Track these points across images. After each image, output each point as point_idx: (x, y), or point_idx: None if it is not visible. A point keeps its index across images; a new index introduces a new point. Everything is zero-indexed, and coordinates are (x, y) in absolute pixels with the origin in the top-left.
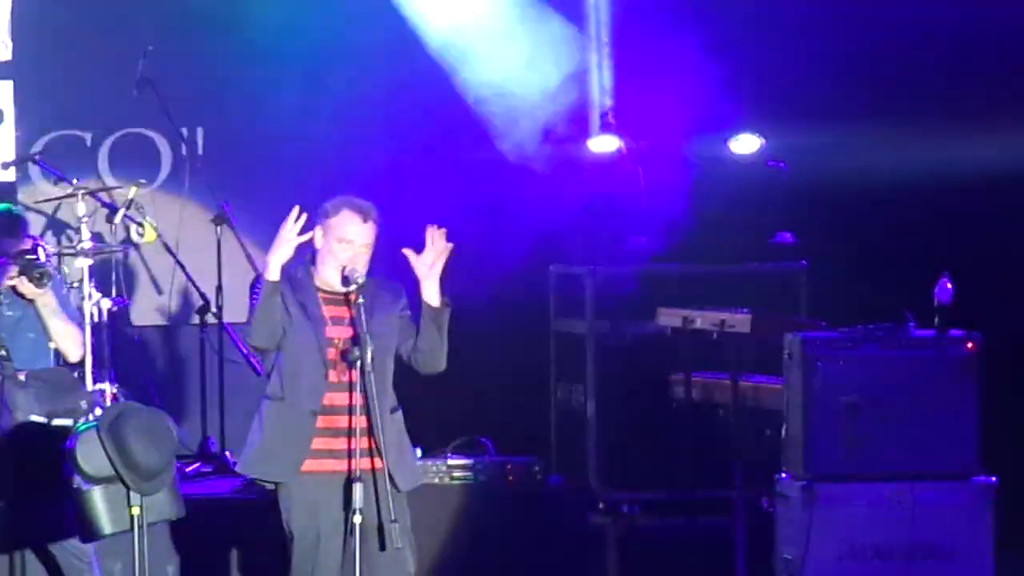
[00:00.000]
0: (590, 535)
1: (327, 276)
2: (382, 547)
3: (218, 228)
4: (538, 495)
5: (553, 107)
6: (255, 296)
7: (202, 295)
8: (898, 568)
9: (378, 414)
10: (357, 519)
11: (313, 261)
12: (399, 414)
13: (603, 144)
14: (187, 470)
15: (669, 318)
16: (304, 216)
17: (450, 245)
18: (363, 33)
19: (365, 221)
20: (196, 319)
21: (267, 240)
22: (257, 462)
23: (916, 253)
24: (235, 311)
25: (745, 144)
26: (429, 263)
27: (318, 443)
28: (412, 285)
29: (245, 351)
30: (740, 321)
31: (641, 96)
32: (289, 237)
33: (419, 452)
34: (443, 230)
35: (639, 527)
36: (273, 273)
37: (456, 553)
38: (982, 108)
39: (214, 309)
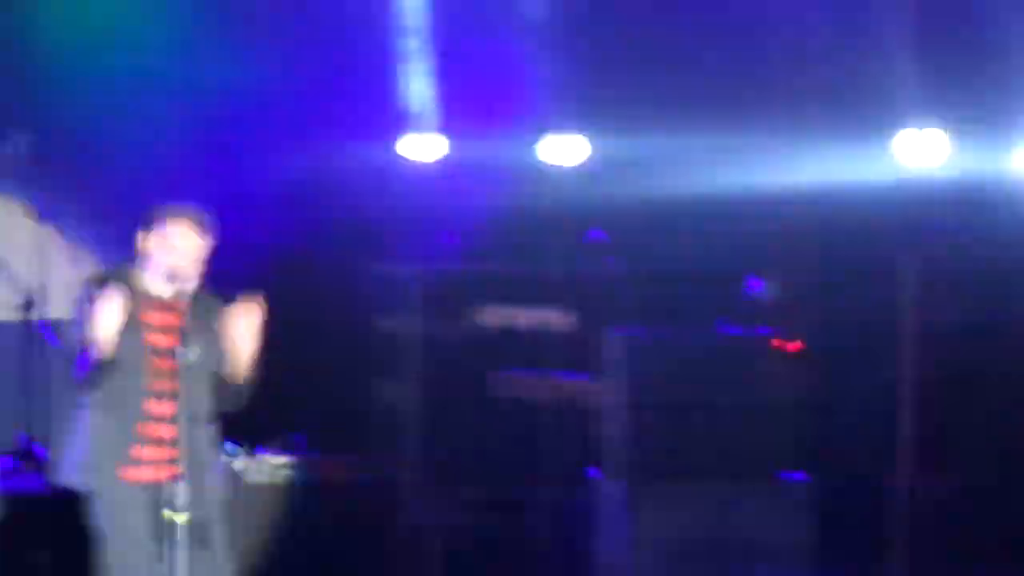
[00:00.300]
0: (409, 531)
1: (154, 282)
2: (200, 546)
3: (40, 226)
4: (357, 492)
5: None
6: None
7: (25, 291)
8: (718, 566)
9: (195, 422)
10: (177, 519)
11: (139, 264)
12: (216, 426)
13: (419, 146)
14: (2, 467)
15: (491, 317)
16: (119, 293)
17: (263, 310)
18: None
19: (200, 233)
20: (18, 315)
21: (96, 237)
22: (76, 469)
23: (732, 256)
24: (58, 308)
25: (563, 146)
26: (246, 330)
27: (137, 451)
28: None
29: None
30: (560, 321)
31: (461, 98)
32: (108, 311)
33: (238, 450)
34: (259, 297)
35: (458, 524)
36: (107, 351)
37: (276, 550)
38: (798, 123)
39: (37, 305)
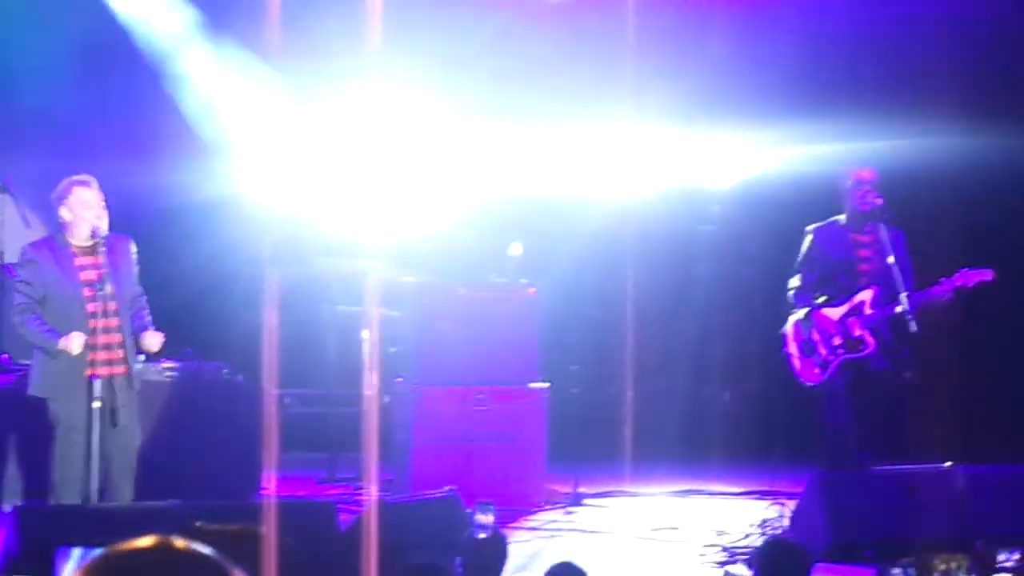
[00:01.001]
0: (262, 419)
1: (79, 235)
2: (114, 424)
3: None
4: (225, 390)
5: None
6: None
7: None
8: (477, 448)
9: (123, 334)
10: (96, 405)
11: (65, 228)
12: (134, 336)
13: None
14: None
15: (324, 264)
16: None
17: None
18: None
19: (92, 187)
20: None
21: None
22: (45, 385)
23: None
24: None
25: None
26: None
27: (91, 356)
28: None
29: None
30: (375, 267)
31: None
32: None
33: (142, 358)
34: (158, 337)
35: (297, 414)
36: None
37: (168, 430)
38: None
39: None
